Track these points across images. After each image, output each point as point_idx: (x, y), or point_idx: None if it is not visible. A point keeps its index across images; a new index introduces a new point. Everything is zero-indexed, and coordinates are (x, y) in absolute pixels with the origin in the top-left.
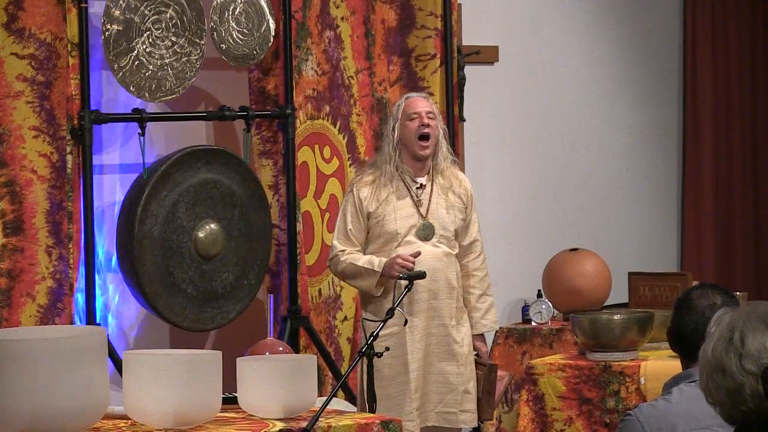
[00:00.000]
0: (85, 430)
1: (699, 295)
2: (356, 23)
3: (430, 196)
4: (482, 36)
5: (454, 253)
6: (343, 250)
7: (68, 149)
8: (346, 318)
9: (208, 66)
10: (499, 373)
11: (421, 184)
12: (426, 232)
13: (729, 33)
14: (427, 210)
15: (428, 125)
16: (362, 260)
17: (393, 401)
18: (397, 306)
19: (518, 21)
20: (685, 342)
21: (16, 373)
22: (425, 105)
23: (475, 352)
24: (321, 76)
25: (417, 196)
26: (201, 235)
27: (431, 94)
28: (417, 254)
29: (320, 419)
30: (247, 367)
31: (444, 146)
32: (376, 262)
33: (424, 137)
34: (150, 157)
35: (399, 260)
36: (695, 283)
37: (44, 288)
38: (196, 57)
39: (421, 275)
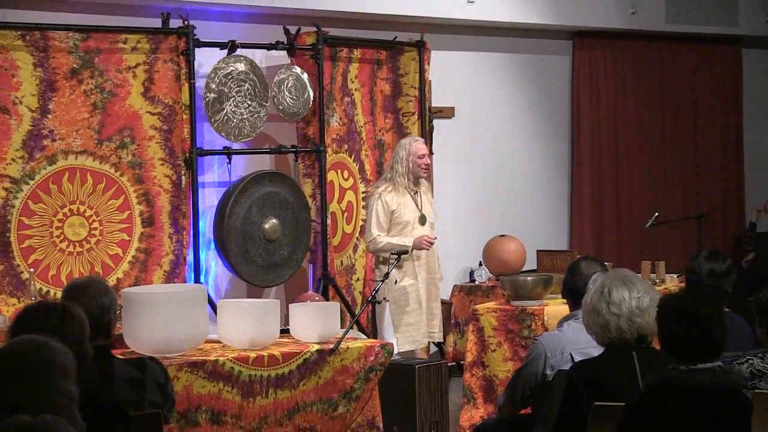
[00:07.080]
0: (193, 349)
1: (575, 266)
2: (364, 92)
3: (421, 198)
4: (444, 100)
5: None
6: (379, 234)
7: (182, 172)
8: (358, 279)
9: (271, 119)
10: None
11: (416, 191)
12: (424, 220)
13: (600, 95)
14: (421, 206)
15: (428, 164)
16: (396, 239)
17: (413, 326)
18: (390, 271)
19: (467, 91)
20: (570, 293)
21: (149, 314)
22: (425, 148)
23: None
24: (342, 126)
25: (414, 199)
26: (266, 226)
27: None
28: (435, 238)
29: (342, 343)
30: (296, 309)
31: None
32: (407, 240)
33: (426, 169)
34: (234, 177)
35: (426, 238)
36: (579, 256)
37: (167, 260)
38: (264, 114)
39: (405, 251)
